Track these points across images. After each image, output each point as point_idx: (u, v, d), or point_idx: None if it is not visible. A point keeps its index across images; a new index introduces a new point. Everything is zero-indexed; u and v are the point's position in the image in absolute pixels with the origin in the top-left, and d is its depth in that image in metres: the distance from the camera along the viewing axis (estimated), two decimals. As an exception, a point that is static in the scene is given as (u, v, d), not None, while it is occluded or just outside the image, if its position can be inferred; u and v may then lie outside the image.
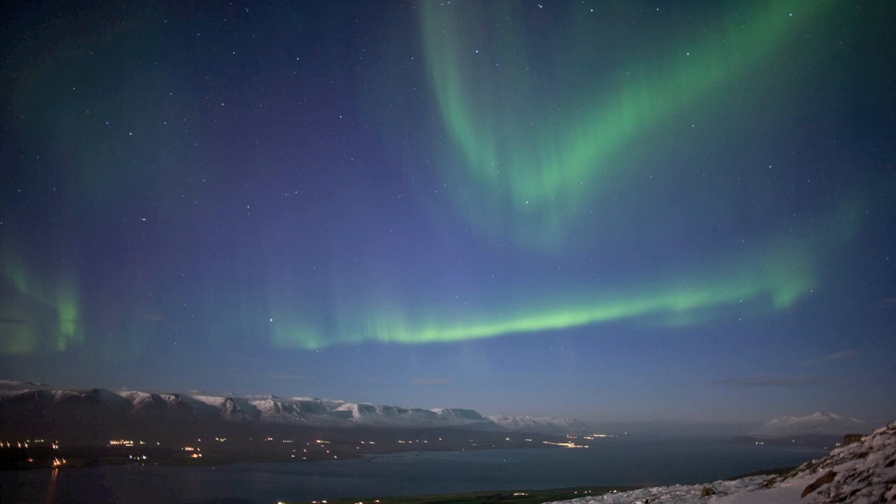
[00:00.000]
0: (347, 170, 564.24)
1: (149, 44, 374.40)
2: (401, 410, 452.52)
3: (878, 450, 9.89)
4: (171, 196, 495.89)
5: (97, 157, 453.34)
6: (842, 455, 11.79)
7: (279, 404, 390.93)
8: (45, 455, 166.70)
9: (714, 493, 15.83)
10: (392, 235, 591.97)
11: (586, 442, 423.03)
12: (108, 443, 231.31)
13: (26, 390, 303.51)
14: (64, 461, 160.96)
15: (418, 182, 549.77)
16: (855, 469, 9.03)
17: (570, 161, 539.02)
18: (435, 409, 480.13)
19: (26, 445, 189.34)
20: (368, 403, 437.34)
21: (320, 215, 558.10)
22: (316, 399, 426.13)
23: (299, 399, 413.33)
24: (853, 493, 7.81)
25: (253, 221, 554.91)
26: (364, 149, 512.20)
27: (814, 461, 13.43)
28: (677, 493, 19.35)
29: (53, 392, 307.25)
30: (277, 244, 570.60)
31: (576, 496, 28.53)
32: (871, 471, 8.41)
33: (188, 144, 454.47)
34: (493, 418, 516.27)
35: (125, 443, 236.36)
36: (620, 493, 24.15)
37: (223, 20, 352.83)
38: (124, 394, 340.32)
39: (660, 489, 22.19)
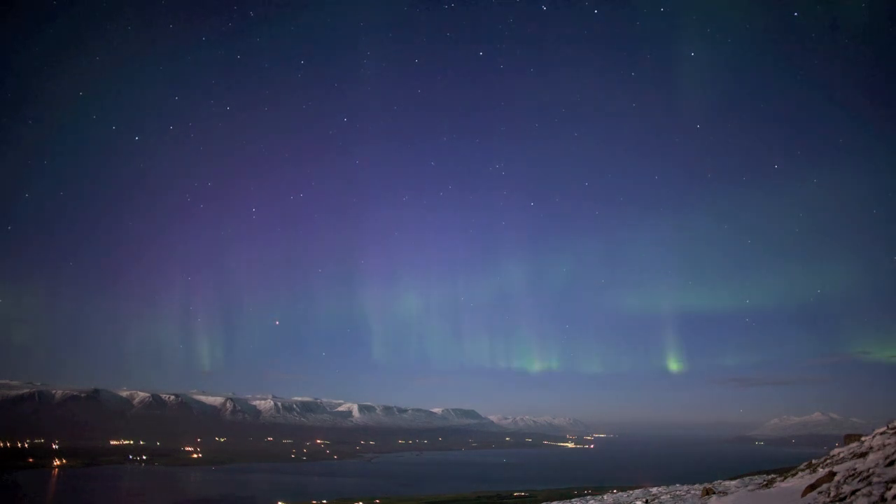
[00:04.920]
0: (352, 172, 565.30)
1: (154, 48, 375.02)
2: (401, 410, 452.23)
3: (878, 450, 9.88)
4: (177, 199, 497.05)
5: (103, 161, 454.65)
6: (842, 455, 11.79)
7: (279, 404, 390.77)
8: (45, 455, 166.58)
9: (714, 493, 15.83)
10: (397, 237, 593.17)
11: (586, 442, 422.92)
12: (108, 443, 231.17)
13: (26, 390, 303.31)
14: (64, 461, 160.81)
15: (423, 184, 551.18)
16: (855, 469, 9.03)
17: (573, 163, 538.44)
18: (435, 409, 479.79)
19: (26, 445, 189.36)
20: (368, 403, 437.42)
21: (325, 218, 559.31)
22: (316, 399, 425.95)
23: (299, 399, 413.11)
24: (853, 492, 7.81)
25: (258, 224, 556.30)
26: (368, 151, 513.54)
27: (814, 461, 13.43)
28: (677, 493, 19.35)
29: (53, 392, 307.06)
30: (283, 247, 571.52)
31: (576, 496, 28.52)
32: (871, 471, 8.41)
33: (194, 148, 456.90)
34: (493, 418, 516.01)
35: (125, 443, 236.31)
36: (620, 493, 24.15)
37: (228, 24, 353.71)
38: (124, 394, 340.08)
39: (660, 489, 22.19)
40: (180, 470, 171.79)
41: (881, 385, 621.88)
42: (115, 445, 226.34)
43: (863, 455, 10.31)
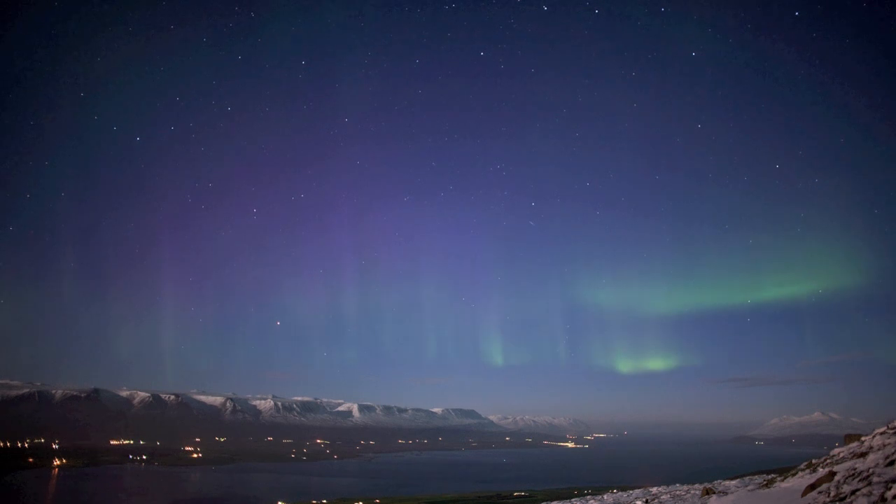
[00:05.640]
0: (353, 173, 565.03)
1: (155, 50, 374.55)
2: (401, 410, 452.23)
3: (878, 450, 9.89)
4: (178, 200, 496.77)
5: (105, 162, 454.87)
6: (842, 455, 11.79)
7: (279, 404, 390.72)
8: (45, 455, 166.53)
9: (714, 492, 15.83)
10: (398, 237, 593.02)
11: (586, 442, 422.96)
12: (108, 443, 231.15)
13: (26, 390, 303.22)
14: (64, 461, 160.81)
15: (424, 184, 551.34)
16: (855, 469, 9.03)
17: (574, 163, 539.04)
18: (435, 409, 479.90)
19: (26, 445, 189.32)
20: (368, 403, 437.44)
21: (326, 218, 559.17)
22: (316, 399, 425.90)
23: (299, 399, 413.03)
24: (853, 492, 7.81)
25: (259, 224, 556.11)
26: (369, 151, 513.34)
27: (814, 461, 13.43)
28: (677, 493, 19.35)
29: (53, 392, 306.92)
30: (283, 247, 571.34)
31: (576, 496, 28.52)
32: (871, 470, 8.40)
33: (195, 149, 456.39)
34: (492, 418, 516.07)
35: (125, 443, 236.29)
36: (620, 493, 24.14)
37: (229, 25, 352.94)
38: (124, 394, 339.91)
39: (660, 489, 22.19)
40: (180, 470, 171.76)
41: (881, 385, 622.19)
42: (115, 445, 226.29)
43: (863, 455, 10.30)
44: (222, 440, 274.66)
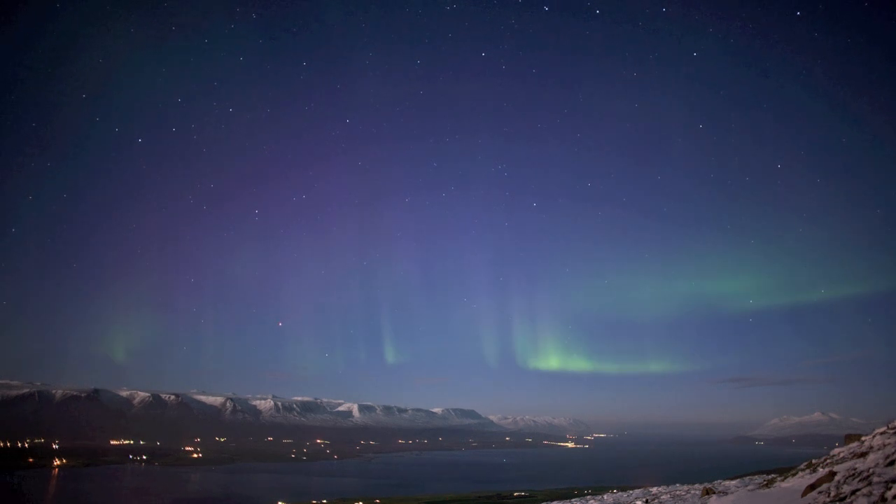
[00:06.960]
0: (355, 174, 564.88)
1: (157, 50, 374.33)
2: (401, 410, 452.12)
3: (878, 449, 9.88)
4: (180, 201, 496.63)
5: (106, 163, 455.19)
6: (842, 455, 11.78)
7: (279, 404, 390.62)
8: (45, 455, 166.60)
9: (714, 492, 15.82)
10: (399, 237, 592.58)
11: (586, 442, 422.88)
12: (108, 443, 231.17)
13: (26, 390, 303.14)
14: (64, 461, 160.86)
15: (426, 185, 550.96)
16: (855, 469, 9.02)
17: (575, 164, 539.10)
18: (435, 409, 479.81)
19: (26, 445, 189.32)
20: (368, 403, 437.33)
21: (328, 219, 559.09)
22: (316, 399, 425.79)
23: (299, 399, 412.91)
24: (853, 492, 7.80)
25: (261, 225, 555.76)
26: (370, 152, 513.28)
27: (814, 461, 13.42)
28: (677, 493, 19.34)
29: (53, 392, 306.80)
30: (285, 248, 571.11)
31: (576, 496, 28.51)
32: (871, 470, 8.40)
33: (196, 150, 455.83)
34: (493, 418, 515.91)
35: (125, 443, 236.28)
36: (620, 493, 24.14)
37: (230, 26, 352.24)
38: (124, 394, 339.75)
39: (660, 489, 22.19)
40: (180, 470, 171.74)
41: (881, 385, 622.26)
42: (115, 445, 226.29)
43: (863, 455, 10.30)
44: (222, 440, 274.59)
